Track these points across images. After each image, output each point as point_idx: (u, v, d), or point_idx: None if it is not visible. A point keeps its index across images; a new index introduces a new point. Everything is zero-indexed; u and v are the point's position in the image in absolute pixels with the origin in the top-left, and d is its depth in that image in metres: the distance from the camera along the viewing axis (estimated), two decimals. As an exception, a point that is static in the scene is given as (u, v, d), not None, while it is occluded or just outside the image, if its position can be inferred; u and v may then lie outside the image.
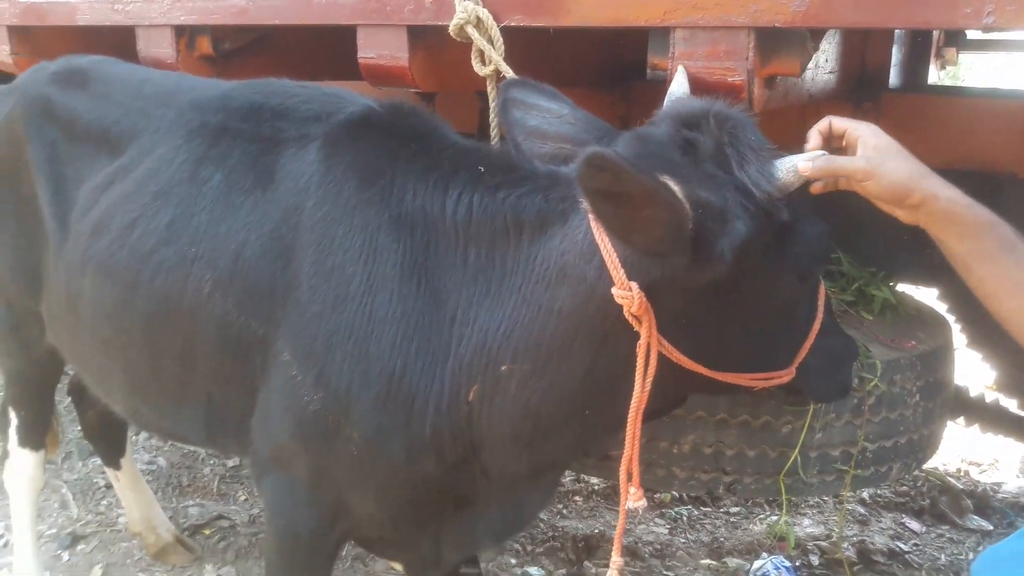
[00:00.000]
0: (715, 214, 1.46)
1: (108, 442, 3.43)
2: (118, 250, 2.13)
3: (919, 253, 2.62)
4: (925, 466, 4.33)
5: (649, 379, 1.56)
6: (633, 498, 1.64)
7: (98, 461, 4.11)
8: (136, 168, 2.21)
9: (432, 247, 1.79)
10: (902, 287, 2.78)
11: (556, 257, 1.65)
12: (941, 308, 3.46)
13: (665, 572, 3.62)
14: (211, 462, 4.23)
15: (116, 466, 3.46)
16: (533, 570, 3.56)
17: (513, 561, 3.62)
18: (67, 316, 2.39)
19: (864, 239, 2.47)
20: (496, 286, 1.72)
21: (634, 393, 1.57)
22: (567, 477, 4.34)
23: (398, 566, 2.37)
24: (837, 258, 2.52)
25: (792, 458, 2.12)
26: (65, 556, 3.49)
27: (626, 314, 1.54)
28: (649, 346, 1.55)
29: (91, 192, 2.29)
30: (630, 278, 1.52)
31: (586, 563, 3.60)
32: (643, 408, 1.59)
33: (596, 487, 4.26)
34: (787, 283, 1.67)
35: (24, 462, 3.07)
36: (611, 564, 1.69)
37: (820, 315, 1.76)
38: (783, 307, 1.70)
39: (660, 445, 2.18)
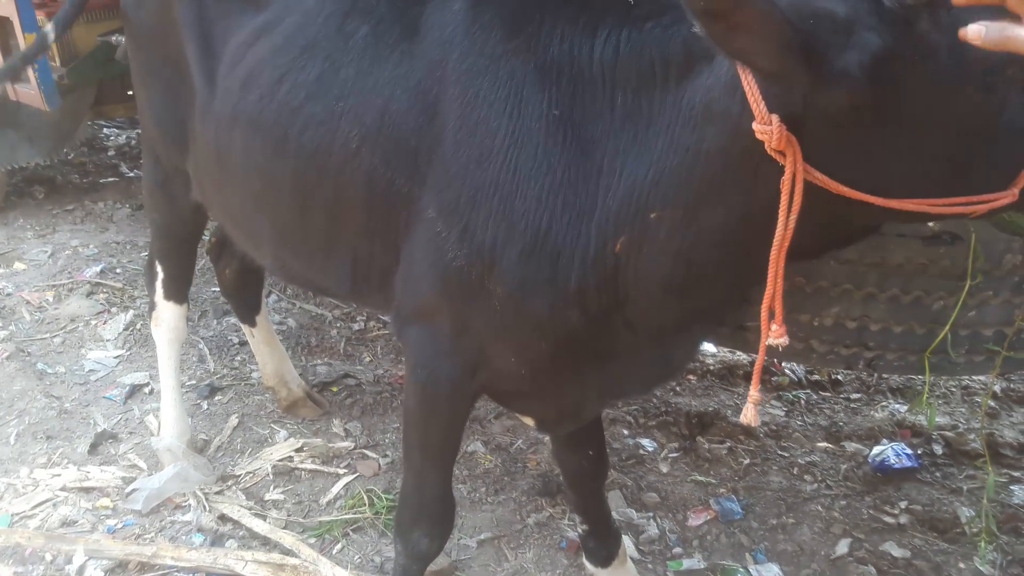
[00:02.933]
0: (835, 26, 1.31)
1: (244, 299, 3.59)
2: (267, 105, 2.16)
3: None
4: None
5: (794, 215, 1.44)
6: (775, 335, 1.53)
7: (232, 319, 4.33)
8: (283, 22, 2.21)
9: (579, 95, 1.72)
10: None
11: (702, 95, 1.55)
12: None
13: (780, 452, 3.60)
14: (338, 324, 4.39)
15: (251, 323, 3.62)
16: (645, 442, 3.61)
17: (626, 432, 3.67)
18: (216, 171, 2.46)
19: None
20: (643, 131, 1.65)
21: (777, 230, 1.46)
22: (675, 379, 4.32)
23: (530, 420, 2.39)
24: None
25: (942, 335, 2.03)
26: (204, 405, 3.72)
27: (768, 150, 1.43)
28: (794, 180, 1.42)
29: (238, 47, 2.31)
30: (771, 110, 1.40)
31: (699, 438, 3.62)
32: (786, 245, 1.47)
33: (711, 367, 4.23)
34: (965, 98, 1.39)
35: (169, 314, 3.23)
36: (748, 398, 1.60)
37: None
38: (967, 125, 1.42)
39: (801, 318, 2.10)
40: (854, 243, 1.77)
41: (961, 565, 2.98)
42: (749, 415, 1.60)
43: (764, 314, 1.53)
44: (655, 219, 1.66)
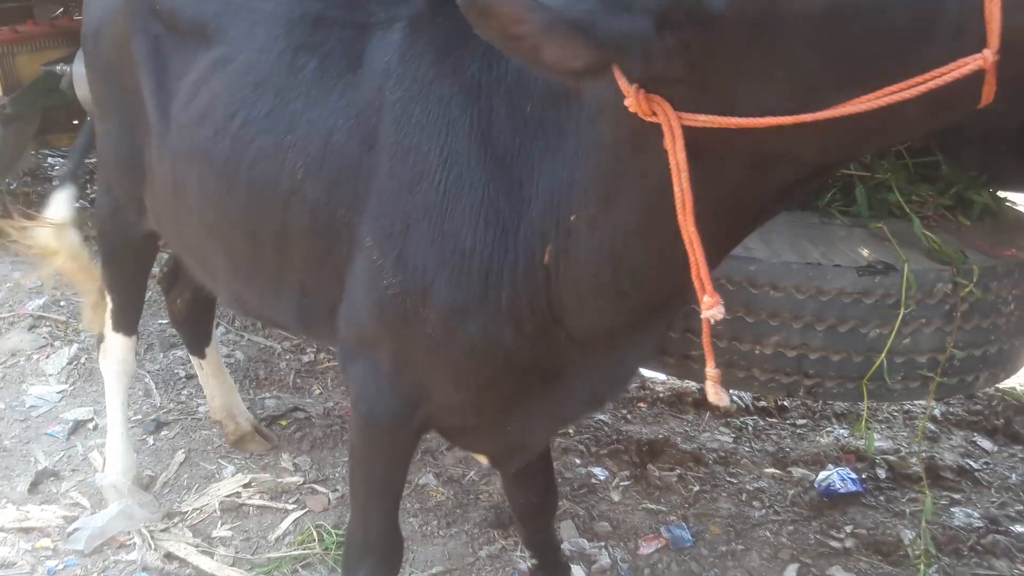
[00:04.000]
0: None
1: (194, 331, 3.55)
2: (220, 140, 2.18)
3: (1022, 159, 2.53)
4: (1002, 385, 4.26)
5: (684, 174, 1.33)
6: (706, 306, 1.41)
7: (179, 352, 4.27)
8: (236, 59, 2.23)
9: (495, 111, 1.73)
10: (1003, 194, 2.67)
11: (596, 91, 1.52)
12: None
13: (729, 479, 3.65)
14: (287, 356, 4.36)
15: (201, 355, 3.58)
16: (597, 470, 3.63)
17: (578, 461, 3.68)
18: (172, 203, 2.47)
19: (964, 142, 2.37)
20: (555, 137, 1.65)
21: (675, 194, 1.36)
22: (632, 384, 4.38)
23: (483, 458, 2.39)
24: (936, 161, 2.42)
25: (878, 362, 2.09)
26: (150, 440, 3.65)
27: (646, 120, 1.35)
28: (674, 140, 1.32)
29: (193, 84, 2.33)
30: (631, 82, 1.32)
31: (649, 466, 3.64)
32: (690, 208, 1.35)
33: (661, 394, 4.28)
34: None
35: (117, 346, 3.18)
36: (707, 375, 1.49)
37: None
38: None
39: (742, 347, 2.15)
40: (803, 188, 1.55)
41: (905, 587, 3.04)
42: (712, 393, 1.48)
43: (697, 285, 1.42)
44: (575, 221, 1.64)
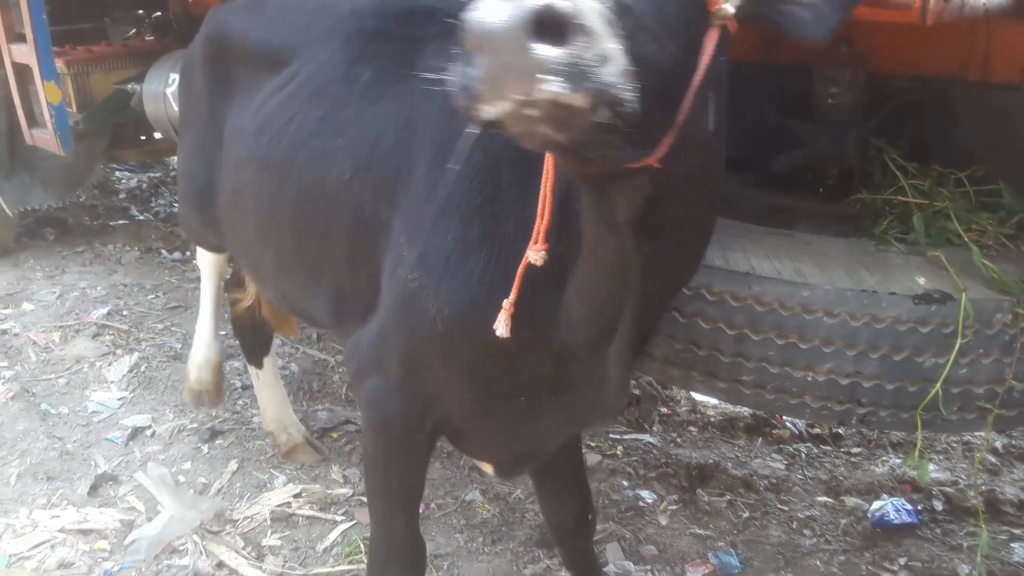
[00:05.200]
0: None
1: (255, 340, 3.67)
2: (276, 144, 2.34)
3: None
4: (1067, 418, 4.12)
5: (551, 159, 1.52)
6: (534, 250, 1.62)
7: (236, 363, 4.37)
8: (299, 73, 2.40)
9: None
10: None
11: None
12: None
13: (780, 506, 3.59)
14: (340, 370, 4.42)
15: (259, 364, 3.67)
16: (645, 493, 3.60)
17: (625, 483, 3.66)
18: (231, 209, 2.67)
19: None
20: None
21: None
22: (683, 407, 4.34)
23: (488, 467, 2.40)
24: (998, 188, 2.37)
25: (933, 392, 2.04)
26: (205, 449, 3.74)
27: None
28: None
29: (260, 101, 2.51)
30: None
31: (699, 491, 3.61)
32: (552, 179, 1.56)
33: (712, 418, 4.24)
34: None
35: (204, 258, 3.55)
36: (503, 305, 1.72)
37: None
38: None
39: (794, 373, 2.13)
40: None
41: (960, 623, 2.96)
42: (501, 324, 1.70)
43: (535, 234, 1.60)
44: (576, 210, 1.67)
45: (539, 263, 1.62)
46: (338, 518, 3.31)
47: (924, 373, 2.06)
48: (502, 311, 1.71)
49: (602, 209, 1.48)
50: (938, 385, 2.03)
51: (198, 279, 3.85)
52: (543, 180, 1.59)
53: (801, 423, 4.20)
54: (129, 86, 4.69)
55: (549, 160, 1.56)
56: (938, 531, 3.44)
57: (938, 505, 3.59)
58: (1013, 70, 2.48)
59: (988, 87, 2.54)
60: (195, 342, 3.69)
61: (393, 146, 2.05)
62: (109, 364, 4.34)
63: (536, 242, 1.61)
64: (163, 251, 5.89)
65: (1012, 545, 3.35)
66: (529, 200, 1.75)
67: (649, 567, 3.16)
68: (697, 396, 4.42)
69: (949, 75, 2.58)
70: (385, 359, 2.08)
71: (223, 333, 4.18)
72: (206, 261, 3.55)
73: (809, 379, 2.12)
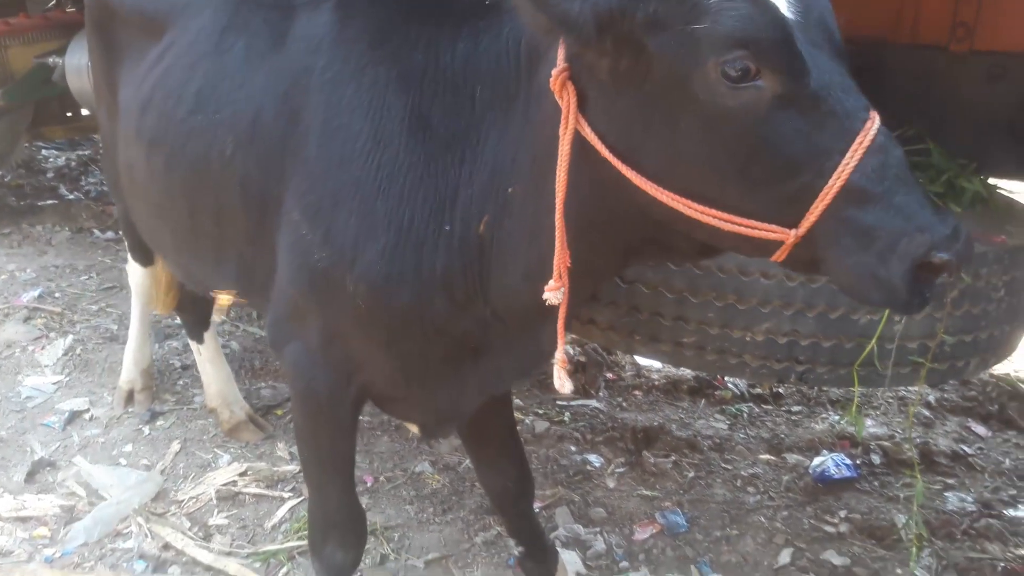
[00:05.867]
0: None
1: (194, 315, 3.61)
2: (160, 121, 2.30)
3: (1013, 147, 2.53)
4: (997, 371, 4.28)
5: (565, 163, 1.53)
6: (550, 288, 1.64)
7: (174, 343, 4.29)
8: (176, 45, 2.35)
9: (440, 95, 1.81)
10: (994, 181, 2.67)
11: (544, 70, 1.61)
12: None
13: (724, 465, 3.66)
14: (282, 347, 4.35)
15: (199, 339, 3.61)
16: (592, 457, 3.64)
17: (573, 448, 3.70)
18: (128, 185, 2.65)
19: (956, 130, 2.37)
20: (503, 116, 1.74)
21: (555, 175, 1.55)
22: (628, 372, 4.39)
23: (413, 427, 2.43)
24: (927, 148, 2.42)
25: (868, 348, 2.09)
26: (146, 431, 3.66)
27: (556, 94, 1.53)
28: (566, 130, 1.52)
29: (142, 73, 2.46)
30: (566, 59, 1.53)
31: (645, 453, 3.66)
32: (562, 198, 1.56)
33: (656, 382, 4.30)
34: (706, 86, 1.36)
35: (135, 269, 3.64)
36: (555, 359, 1.74)
37: (848, 169, 1.32)
38: (715, 121, 1.39)
39: (733, 334, 2.16)
40: (667, 255, 1.84)
41: (898, 571, 3.06)
42: (557, 379, 1.73)
43: (554, 267, 1.63)
44: (511, 194, 1.73)
45: (557, 302, 1.65)
46: (285, 495, 3.28)
47: (859, 330, 2.11)
48: (556, 365, 1.74)
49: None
50: (873, 341, 2.08)
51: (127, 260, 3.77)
52: (556, 214, 1.59)
53: (743, 384, 4.29)
54: (50, 60, 4.52)
55: (561, 183, 1.56)
56: (876, 484, 3.55)
57: (876, 459, 3.70)
58: (940, 32, 2.53)
59: (917, 48, 2.59)
60: (127, 346, 3.79)
61: (274, 120, 2.02)
62: (42, 348, 4.22)
63: (556, 278, 1.64)
64: (95, 231, 5.71)
65: (946, 494, 3.48)
66: (430, 179, 1.80)
67: (598, 529, 3.20)
68: (641, 361, 4.48)
69: (880, 37, 2.62)
70: (304, 332, 2.08)
71: (158, 313, 4.10)
72: (135, 277, 3.66)
73: (748, 339, 2.16)
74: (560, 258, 1.62)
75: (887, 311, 2.06)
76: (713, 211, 1.42)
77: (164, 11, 2.45)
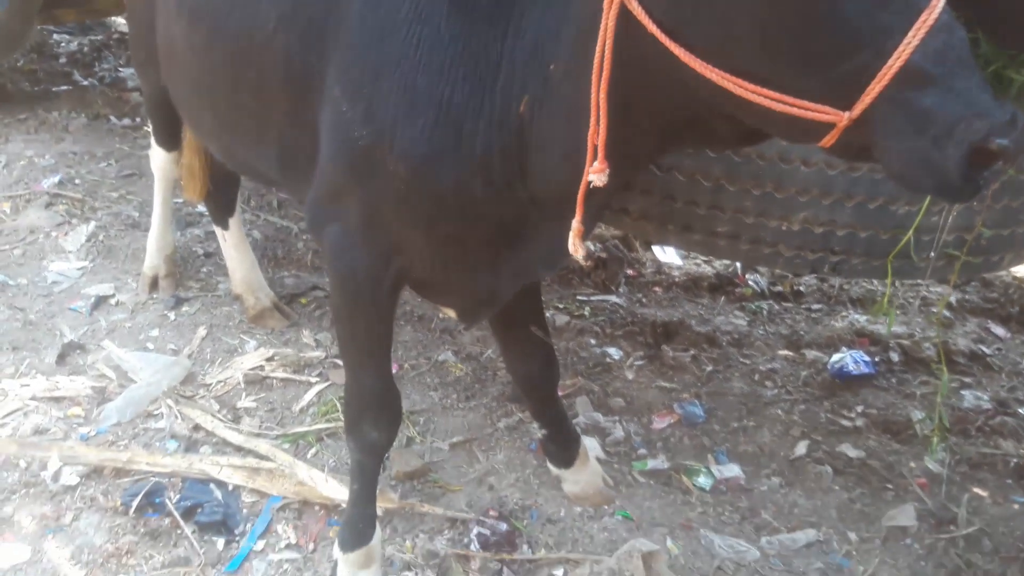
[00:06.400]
0: None
1: (219, 200, 3.61)
2: None
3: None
4: (1019, 273, 4.26)
5: (608, 40, 1.48)
6: (595, 170, 1.60)
7: (196, 231, 4.30)
8: None
9: None
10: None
11: None
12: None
13: (742, 360, 3.70)
14: (304, 237, 4.36)
15: (224, 225, 3.63)
16: (612, 350, 3.68)
17: (592, 341, 3.74)
18: (167, 60, 2.61)
19: (1006, 18, 2.28)
20: None
21: (596, 50, 1.50)
22: (648, 269, 4.39)
23: (451, 311, 2.43)
24: (974, 37, 2.34)
25: (905, 239, 2.08)
26: (171, 316, 3.70)
27: None
28: (611, 4, 1.46)
29: None
30: None
31: (664, 347, 3.70)
32: (606, 76, 1.52)
33: (676, 278, 4.30)
34: None
35: (158, 155, 3.66)
36: (571, 227, 1.73)
37: (909, 48, 1.26)
38: None
39: (770, 223, 2.14)
40: (709, 140, 1.80)
41: (912, 464, 3.13)
42: (571, 244, 1.72)
43: (589, 151, 1.59)
44: (553, 71, 1.68)
45: (601, 184, 1.60)
46: (312, 379, 3.33)
47: (897, 221, 2.09)
48: (571, 233, 1.71)
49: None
50: (910, 232, 2.06)
51: (149, 146, 3.74)
52: (594, 84, 1.53)
53: (763, 282, 4.29)
54: (65, -64, 4.38)
55: (604, 61, 1.50)
56: (894, 381, 3.59)
57: (894, 357, 3.73)
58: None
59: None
60: (150, 232, 3.85)
61: None
62: (65, 234, 4.22)
63: (595, 158, 1.59)
64: (111, 117, 5.65)
65: (962, 393, 3.52)
66: (470, 55, 1.76)
67: (617, 418, 3.27)
68: (662, 258, 4.47)
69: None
70: (344, 213, 2.06)
71: (180, 201, 4.09)
72: (158, 162, 3.67)
73: (784, 228, 2.14)
74: (602, 136, 1.58)
75: (928, 200, 2.03)
76: (765, 90, 1.37)
77: None
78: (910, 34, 1.26)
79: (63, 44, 7.01)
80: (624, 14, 1.47)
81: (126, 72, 6.54)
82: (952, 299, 4.19)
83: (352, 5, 1.88)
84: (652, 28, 1.43)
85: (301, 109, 2.05)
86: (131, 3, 3.12)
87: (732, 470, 3.04)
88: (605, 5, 1.47)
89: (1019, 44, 2.42)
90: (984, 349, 3.82)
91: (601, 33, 1.49)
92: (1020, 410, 3.42)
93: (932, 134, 1.27)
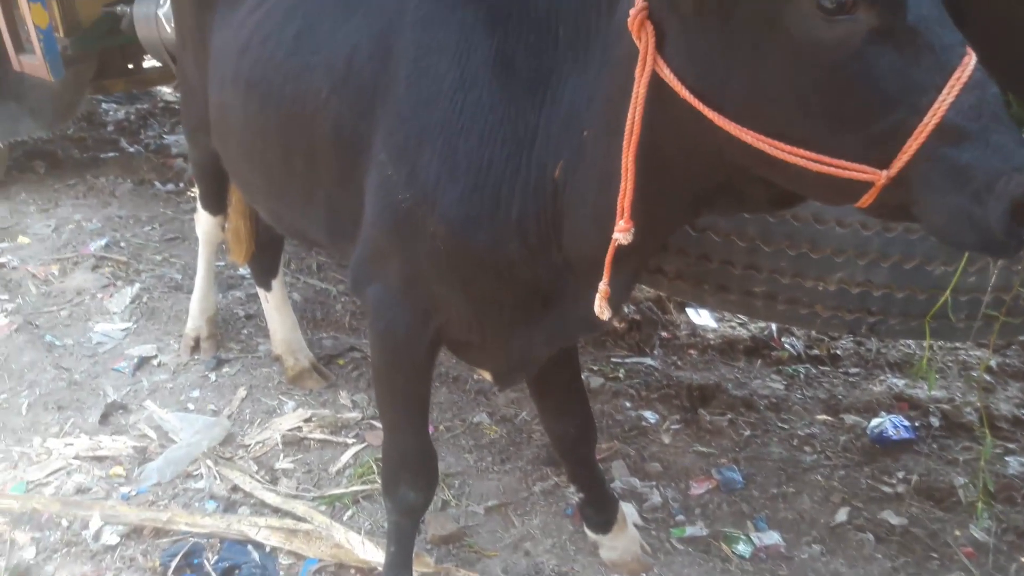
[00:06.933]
0: None
1: (263, 262, 3.70)
2: (257, 64, 2.36)
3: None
4: (1062, 336, 4.19)
5: (639, 107, 1.52)
6: (620, 229, 1.64)
7: (238, 293, 4.39)
8: None
9: (525, 35, 1.82)
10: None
11: (624, 7, 1.59)
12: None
13: (780, 424, 3.66)
14: (342, 299, 4.44)
15: (267, 287, 3.71)
16: (648, 414, 3.67)
17: (628, 404, 3.72)
18: (220, 126, 2.71)
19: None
20: (583, 56, 1.73)
21: (628, 115, 1.54)
22: (682, 331, 4.39)
23: (487, 374, 2.46)
24: (1006, 100, 2.37)
25: (942, 300, 2.08)
26: (212, 377, 3.77)
27: (633, 34, 1.51)
28: (643, 72, 1.50)
29: (240, 19, 2.54)
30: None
31: (700, 411, 3.67)
32: (636, 140, 1.56)
33: (712, 341, 4.29)
34: (799, 18, 1.34)
35: (204, 218, 3.75)
36: (599, 289, 1.76)
37: (944, 105, 1.29)
38: (807, 57, 1.36)
39: (805, 283, 2.15)
40: (741, 204, 1.80)
41: (956, 532, 3.05)
42: (598, 306, 1.77)
43: (618, 212, 1.63)
44: (586, 137, 1.72)
45: (626, 242, 1.64)
46: (349, 441, 3.36)
47: (934, 281, 2.09)
48: (598, 295, 1.76)
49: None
50: (947, 292, 2.06)
51: (193, 210, 3.88)
52: (624, 149, 1.58)
53: (800, 345, 4.26)
54: (118, 8, 4.59)
55: (634, 126, 1.55)
56: (935, 446, 3.52)
57: (935, 422, 3.67)
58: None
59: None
60: (193, 294, 3.93)
61: (368, 59, 2.05)
62: (110, 295, 4.34)
63: (621, 218, 1.63)
64: (156, 183, 5.84)
65: (1007, 459, 3.44)
66: (509, 121, 1.82)
67: (654, 483, 3.23)
68: (697, 320, 4.47)
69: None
70: (386, 273, 2.12)
71: (222, 264, 4.20)
72: (204, 225, 3.76)
73: (820, 289, 2.15)
74: (628, 199, 1.61)
75: (965, 260, 2.03)
76: (802, 151, 1.39)
77: None
78: (944, 91, 1.28)
79: (111, 112, 7.29)
80: (656, 81, 1.51)
81: (170, 139, 6.77)
82: (993, 363, 4.12)
83: (399, 74, 1.95)
84: (685, 94, 1.47)
85: (349, 173, 2.12)
86: (183, 72, 3.25)
87: (772, 537, 2.98)
88: (637, 73, 1.52)
89: (1051, 107, 2.45)
90: (1028, 414, 3.75)
91: (633, 99, 1.53)
92: (1067, 477, 3.33)
93: (972, 190, 1.28)
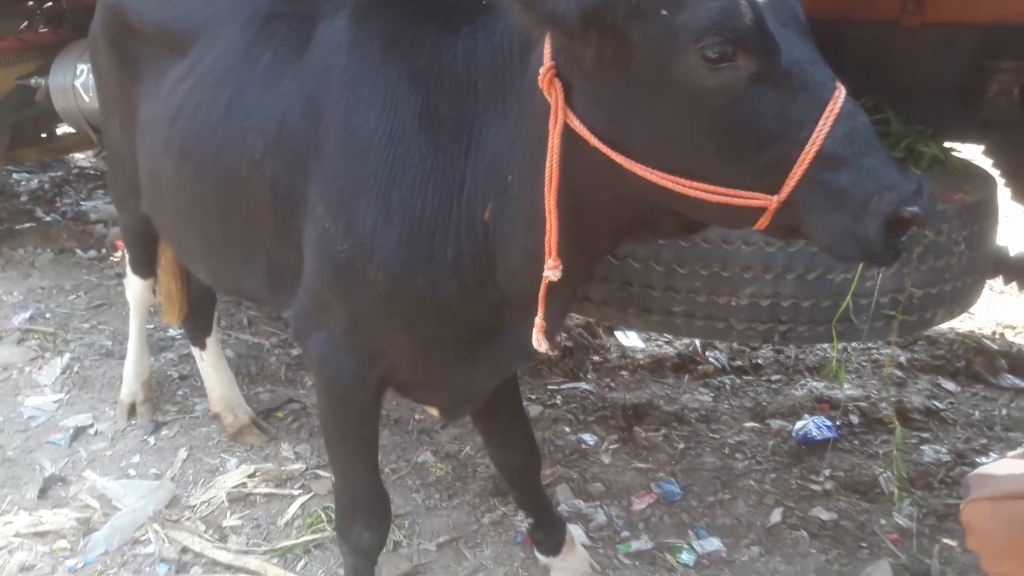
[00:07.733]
0: None
1: (197, 321, 3.71)
2: (189, 132, 2.42)
3: (964, 112, 2.71)
4: (962, 329, 4.49)
5: (556, 156, 1.67)
6: (549, 267, 1.78)
7: (170, 355, 4.37)
8: (202, 61, 2.48)
9: (447, 90, 1.95)
10: (948, 144, 2.86)
11: (535, 63, 1.75)
12: (986, 164, 3.54)
13: (712, 435, 3.83)
14: (276, 352, 4.46)
15: (202, 345, 3.71)
16: (586, 436, 3.79)
17: (567, 429, 3.84)
18: (152, 192, 2.76)
19: (911, 99, 2.54)
20: (501, 106, 1.88)
21: (546, 163, 1.69)
22: (613, 354, 4.54)
23: (434, 411, 2.55)
24: (886, 117, 2.59)
25: (844, 305, 2.26)
26: (151, 441, 3.74)
27: (544, 91, 1.66)
28: (555, 124, 1.65)
29: (168, 88, 2.58)
30: (552, 56, 1.67)
31: (636, 428, 3.81)
32: (555, 188, 1.70)
33: (641, 361, 4.45)
34: (686, 69, 1.49)
35: (134, 283, 3.72)
36: (535, 324, 1.89)
37: (821, 136, 1.45)
38: (695, 102, 1.52)
39: (720, 300, 2.32)
40: (655, 233, 1.99)
41: (882, 521, 3.24)
42: (535, 340, 1.90)
43: (546, 247, 1.77)
44: (511, 181, 1.87)
45: (556, 279, 1.79)
46: (295, 492, 3.38)
47: (836, 288, 2.28)
48: (535, 329, 1.89)
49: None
50: (848, 298, 2.25)
51: (118, 275, 3.89)
52: (546, 194, 1.72)
53: (723, 357, 4.46)
54: (32, 81, 4.56)
55: (552, 173, 1.69)
56: (856, 442, 3.73)
57: (854, 419, 3.89)
58: (893, 8, 2.70)
59: (872, 24, 2.76)
60: (127, 359, 3.90)
61: (300, 119, 2.15)
62: (39, 368, 4.27)
63: (550, 256, 1.77)
64: (77, 250, 5.75)
65: (922, 448, 3.67)
66: (438, 170, 1.94)
67: (598, 503, 3.35)
68: (625, 342, 4.63)
69: (838, 16, 2.79)
70: (329, 322, 2.20)
71: (152, 326, 4.18)
72: (134, 290, 3.74)
73: (734, 304, 2.31)
74: (554, 239, 1.76)
75: (861, 267, 2.22)
76: (700, 184, 1.55)
77: (192, 29, 2.57)
78: (820, 123, 1.46)
79: (23, 182, 7.15)
80: (568, 130, 1.66)
81: (88, 205, 6.68)
82: (903, 359, 4.39)
83: (331, 132, 2.06)
84: (594, 141, 1.63)
85: (286, 229, 2.21)
86: (109, 141, 3.28)
87: (713, 544, 3.12)
88: (551, 125, 1.67)
89: (925, 120, 2.70)
90: (937, 404, 4.00)
91: (549, 149, 1.68)
92: (977, 459, 3.57)
93: (851, 209, 1.46)
